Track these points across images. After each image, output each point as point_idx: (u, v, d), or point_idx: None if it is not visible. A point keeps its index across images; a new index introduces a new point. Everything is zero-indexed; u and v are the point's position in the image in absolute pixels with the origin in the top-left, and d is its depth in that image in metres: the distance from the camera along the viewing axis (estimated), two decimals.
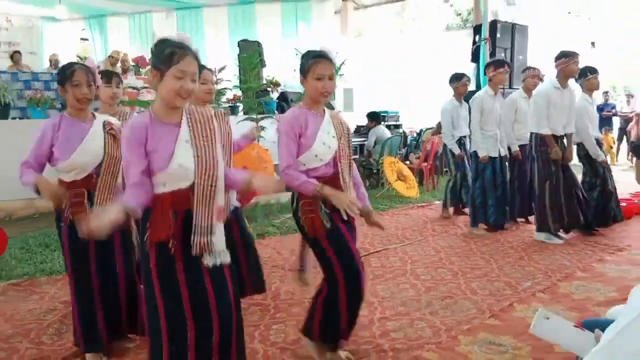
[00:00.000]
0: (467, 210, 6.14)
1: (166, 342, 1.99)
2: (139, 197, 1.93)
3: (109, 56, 10.42)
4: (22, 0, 12.27)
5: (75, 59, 8.91)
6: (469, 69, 10.34)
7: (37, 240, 5.15)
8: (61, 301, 3.67)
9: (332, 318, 2.62)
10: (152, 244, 1.99)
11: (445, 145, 6.21)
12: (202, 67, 3.06)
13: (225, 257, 2.10)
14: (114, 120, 2.92)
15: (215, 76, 6.95)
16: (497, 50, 9.16)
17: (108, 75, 3.24)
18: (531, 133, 5.10)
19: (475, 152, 5.45)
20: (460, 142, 6.07)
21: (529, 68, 5.84)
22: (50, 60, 11.18)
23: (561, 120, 4.99)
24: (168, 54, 1.95)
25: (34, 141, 2.67)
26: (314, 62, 2.51)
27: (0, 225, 4.85)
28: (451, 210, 6.32)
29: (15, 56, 10.47)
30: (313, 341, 2.73)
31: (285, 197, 6.59)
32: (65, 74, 2.69)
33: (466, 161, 6.04)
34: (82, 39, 14.31)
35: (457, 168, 6.13)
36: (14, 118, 6.89)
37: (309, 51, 2.60)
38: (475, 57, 10.25)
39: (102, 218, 1.83)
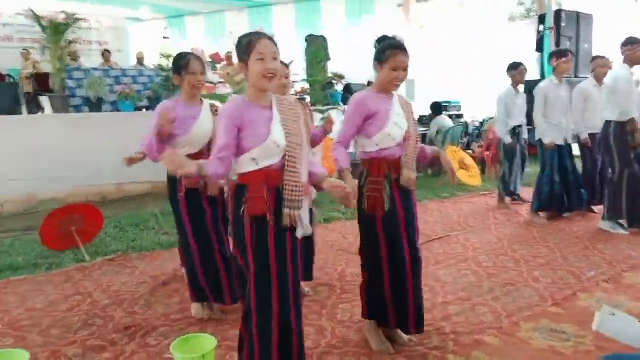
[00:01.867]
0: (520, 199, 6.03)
1: (254, 310, 2.09)
2: (217, 168, 2.01)
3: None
4: (110, 2, 12.89)
5: (158, 57, 9.31)
6: (532, 58, 9.95)
7: (128, 221, 5.46)
8: (150, 275, 3.91)
9: (377, 300, 2.67)
10: (249, 217, 2.07)
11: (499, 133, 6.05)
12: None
13: (309, 230, 2.19)
14: (219, 104, 3.14)
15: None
16: (561, 39, 8.75)
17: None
18: (607, 121, 4.84)
19: (540, 140, 5.26)
20: (515, 132, 5.87)
21: (597, 57, 5.53)
22: (138, 58, 11.70)
23: (632, 106, 4.76)
24: (246, 44, 2.06)
25: (152, 119, 2.87)
26: (393, 52, 2.52)
27: (96, 207, 5.18)
28: (508, 200, 6.12)
29: (105, 54, 11.06)
30: (368, 323, 2.78)
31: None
32: (181, 63, 2.93)
33: (517, 151, 5.87)
34: (164, 37, 14.87)
35: (506, 157, 5.95)
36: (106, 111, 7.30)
37: (387, 39, 2.61)
38: (539, 46, 9.84)
39: (181, 161, 1.90)
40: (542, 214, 5.36)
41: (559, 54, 5.27)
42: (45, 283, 3.81)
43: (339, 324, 3.00)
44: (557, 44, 8.85)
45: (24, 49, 10.91)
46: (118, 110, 7.20)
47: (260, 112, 2.09)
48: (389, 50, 2.53)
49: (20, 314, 3.27)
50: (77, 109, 7.18)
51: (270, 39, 2.07)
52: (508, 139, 5.83)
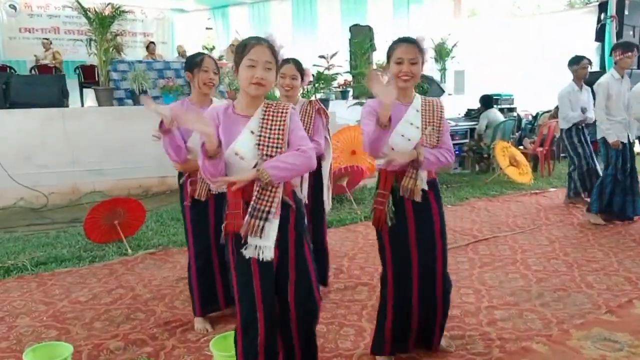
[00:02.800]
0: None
1: (240, 333, 2.09)
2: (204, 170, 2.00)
3: (230, 45, 10.95)
4: None
5: (201, 49, 9.49)
6: (590, 48, 9.59)
7: (170, 215, 5.62)
8: None
9: (379, 322, 2.60)
10: (229, 234, 2.06)
11: (562, 131, 5.86)
12: (286, 61, 3.10)
13: (266, 255, 2.01)
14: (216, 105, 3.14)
15: (328, 62, 7.12)
16: (624, 28, 8.42)
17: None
18: None
19: (603, 138, 5.08)
20: (578, 128, 5.70)
21: None
22: (179, 51, 11.96)
23: None
24: (241, 47, 2.02)
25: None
26: (395, 46, 2.42)
27: (139, 200, 5.36)
28: (584, 195, 5.94)
29: (150, 46, 11.34)
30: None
31: None
32: (195, 61, 2.94)
33: (585, 149, 5.70)
34: (207, 28, 15.14)
35: (577, 156, 5.77)
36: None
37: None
38: (599, 36, 9.49)
39: (197, 120, 1.87)
40: (599, 215, 5.19)
41: (624, 47, 5.06)
42: (88, 276, 3.99)
43: None
44: (619, 33, 8.52)
45: (44, 39, 11.25)
46: (161, 104, 7.40)
47: (236, 120, 2.06)
48: (393, 44, 2.45)
49: (64, 306, 3.43)
50: (121, 101, 7.43)
51: (270, 47, 2.02)
52: (575, 115, 5.60)
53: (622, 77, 5.04)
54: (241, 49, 2.02)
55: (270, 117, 2.06)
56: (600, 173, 5.54)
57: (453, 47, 10.80)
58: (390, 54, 2.44)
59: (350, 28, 9.92)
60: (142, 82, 7.17)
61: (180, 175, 3.04)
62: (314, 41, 12.57)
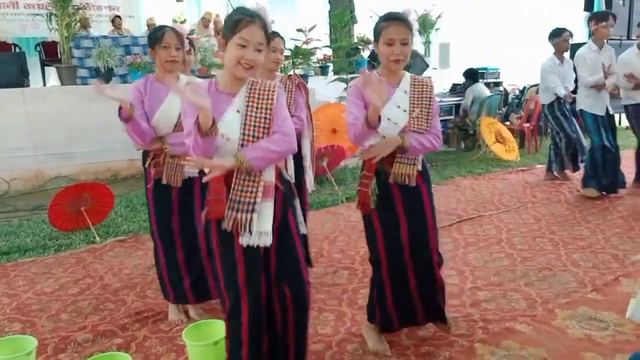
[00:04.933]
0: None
1: (227, 319, 2.11)
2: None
3: (201, 18, 10.78)
4: None
5: (171, 23, 9.33)
6: (580, 18, 9.66)
7: (140, 200, 5.56)
8: None
9: (380, 301, 2.61)
10: (211, 221, 2.04)
11: (543, 106, 5.93)
12: (274, 34, 3.04)
13: (267, 240, 2.00)
14: (200, 81, 3.07)
15: (306, 35, 7.06)
16: None
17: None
18: None
19: (581, 110, 5.17)
20: (560, 102, 5.76)
21: None
22: (148, 25, 11.72)
23: None
24: (233, 23, 1.95)
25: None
26: (385, 24, 2.37)
27: (107, 185, 5.30)
28: (568, 171, 6.07)
29: (116, 20, 11.07)
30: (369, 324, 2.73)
31: None
32: (156, 36, 2.84)
33: (570, 122, 5.81)
34: (177, 0, 14.82)
35: (563, 130, 5.84)
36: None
37: (384, 14, 2.48)
38: (588, 5, 9.53)
39: (194, 91, 1.83)
40: (593, 187, 5.28)
41: (599, 16, 5.16)
42: (54, 265, 3.95)
43: (360, 310, 3.04)
44: (609, 2, 8.56)
45: None
46: (129, 82, 7.28)
47: (223, 99, 2.01)
48: (382, 23, 2.39)
49: (29, 298, 3.41)
50: (85, 80, 7.28)
51: (264, 26, 1.97)
52: (562, 92, 5.66)
53: (601, 47, 5.11)
54: (232, 25, 1.94)
55: (256, 96, 2.02)
56: (586, 146, 5.64)
57: (437, 18, 10.75)
58: (379, 33, 2.39)
59: None
60: (108, 59, 7.03)
61: (145, 156, 2.98)
62: (292, 13, 12.42)
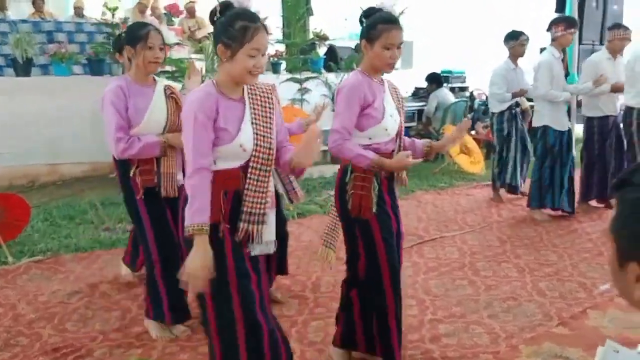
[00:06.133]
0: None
1: (215, 334, 2.14)
2: (208, 196, 2.04)
3: (137, 3, 10.57)
4: None
5: (101, 8, 9.11)
6: (550, 19, 9.98)
7: (62, 212, 5.42)
8: (87, 283, 3.90)
9: (348, 320, 2.72)
10: (225, 233, 2.11)
11: (492, 115, 6.05)
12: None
13: (271, 248, 2.24)
14: (174, 84, 3.14)
15: None
16: None
17: None
18: (628, 107, 4.99)
19: (544, 126, 5.32)
20: (511, 113, 5.92)
21: (618, 26, 5.56)
22: (75, 8, 11.41)
23: None
24: (240, 30, 2.00)
25: (110, 114, 2.86)
26: (385, 28, 2.51)
27: (22, 194, 5.13)
28: (502, 192, 6.20)
29: (37, 2, 10.74)
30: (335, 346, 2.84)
31: (331, 171, 6.65)
32: (139, 34, 2.90)
33: (514, 135, 5.94)
34: None
35: (499, 141, 6.01)
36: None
37: (373, 11, 2.59)
38: (560, 6, 9.85)
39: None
40: (544, 211, 5.46)
41: (567, 22, 5.26)
42: None
43: (310, 347, 3.05)
44: (582, 4, 8.88)
45: None
46: (50, 74, 7.07)
47: (233, 106, 2.12)
48: (381, 25, 2.52)
49: None
50: (0, 71, 7.04)
51: (266, 28, 2.08)
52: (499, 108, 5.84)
53: (563, 54, 5.31)
54: (239, 34, 2.00)
55: (259, 102, 2.18)
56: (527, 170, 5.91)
57: (400, 14, 10.89)
58: (374, 36, 2.53)
59: None
60: (27, 47, 6.79)
61: (126, 164, 2.97)
62: (239, 2, 12.34)
